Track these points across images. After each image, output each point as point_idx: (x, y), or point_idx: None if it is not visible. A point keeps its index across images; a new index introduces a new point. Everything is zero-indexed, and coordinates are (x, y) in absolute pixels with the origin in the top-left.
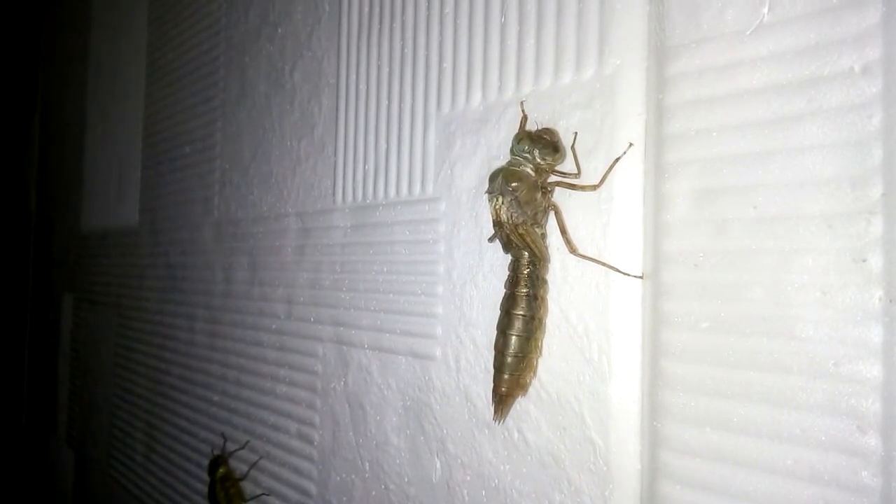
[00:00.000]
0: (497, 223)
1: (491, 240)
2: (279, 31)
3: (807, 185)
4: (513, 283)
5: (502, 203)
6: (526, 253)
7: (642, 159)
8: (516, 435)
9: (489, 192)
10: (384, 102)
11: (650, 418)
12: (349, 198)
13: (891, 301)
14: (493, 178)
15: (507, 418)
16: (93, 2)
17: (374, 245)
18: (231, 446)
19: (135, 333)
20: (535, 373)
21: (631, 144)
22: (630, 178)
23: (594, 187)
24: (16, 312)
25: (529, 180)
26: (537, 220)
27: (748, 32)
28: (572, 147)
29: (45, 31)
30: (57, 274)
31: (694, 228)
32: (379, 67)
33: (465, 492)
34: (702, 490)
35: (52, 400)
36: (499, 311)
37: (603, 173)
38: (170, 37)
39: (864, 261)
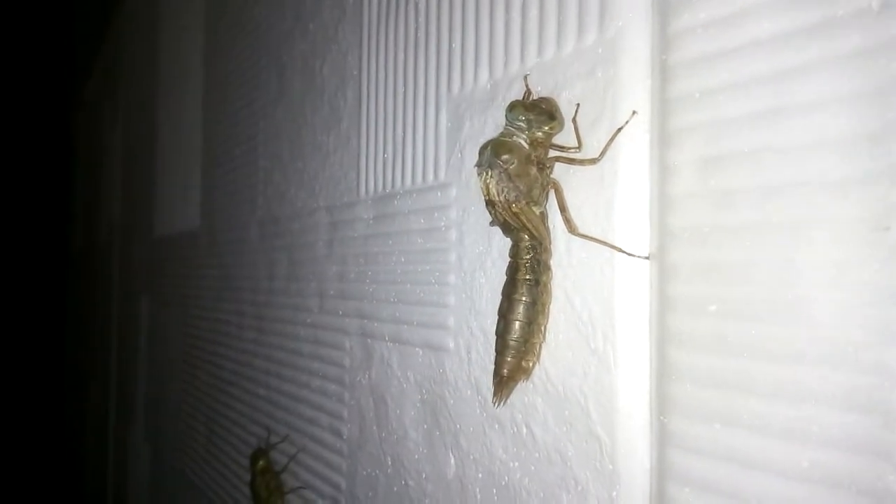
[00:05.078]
0: (489, 202)
1: (492, 223)
2: (310, 27)
3: (819, 146)
4: (513, 269)
5: (491, 177)
6: (525, 236)
7: (648, 129)
8: (524, 430)
9: (478, 165)
10: (401, 89)
11: (657, 413)
12: (371, 189)
13: None
14: (482, 150)
15: (517, 413)
16: (160, 39)
17: (393, 235)
18: (274, 440)
19: (197, 331)
20: (538, 358)
21: (634, 112)
22: (636, 151)
23: (593, 161)
24: (101, 316)
25: (521, 152)
26: (533, 198)
27: None
28: (573, 119)
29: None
30: (135, 278)
31: (700, 201)
32: (395, 54)
33: (478, 489)
34: (712, 493)
35: (132, 398)
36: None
37: (604, 145)
38: (221, 44)
39: (886, 229)
